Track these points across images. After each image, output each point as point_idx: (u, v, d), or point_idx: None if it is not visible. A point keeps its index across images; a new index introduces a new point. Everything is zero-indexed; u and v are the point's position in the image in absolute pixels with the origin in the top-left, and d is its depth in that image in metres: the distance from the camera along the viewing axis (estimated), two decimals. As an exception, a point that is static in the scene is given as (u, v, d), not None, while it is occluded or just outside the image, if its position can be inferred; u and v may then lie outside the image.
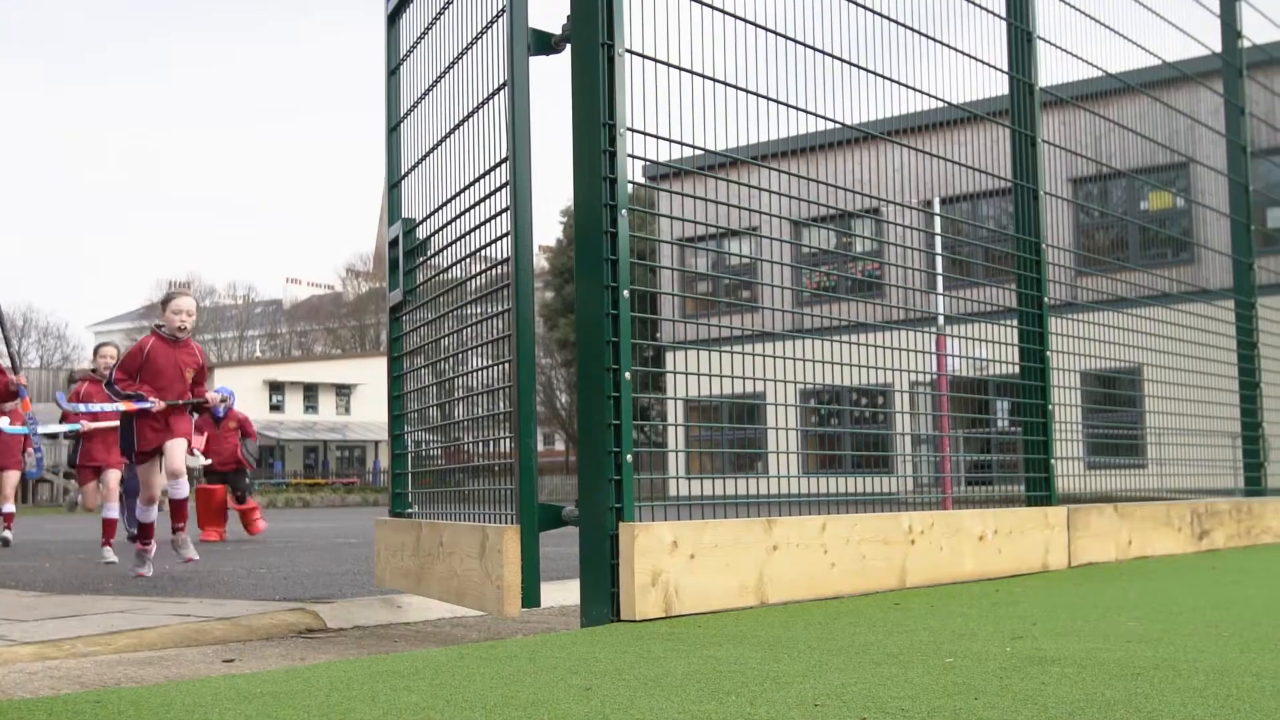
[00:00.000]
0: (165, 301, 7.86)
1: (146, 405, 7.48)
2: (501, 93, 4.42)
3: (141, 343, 7.92)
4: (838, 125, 5.59)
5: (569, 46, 4.34)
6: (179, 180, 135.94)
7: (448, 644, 4.47)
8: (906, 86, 5.89)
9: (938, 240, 7.14)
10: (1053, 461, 6.35)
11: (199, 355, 8.01)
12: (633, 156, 4.33)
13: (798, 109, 5.25)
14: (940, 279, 7.33)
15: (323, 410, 65.46)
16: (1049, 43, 6.64)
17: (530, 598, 4.24)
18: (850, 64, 5.57)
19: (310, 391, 65.01)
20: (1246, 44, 8.92)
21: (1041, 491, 6.33)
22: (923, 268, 6.63)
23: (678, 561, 4.18)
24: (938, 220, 7.30)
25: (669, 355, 16.58)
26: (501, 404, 4.46)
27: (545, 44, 4.40)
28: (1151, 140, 8.18)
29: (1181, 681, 2.76)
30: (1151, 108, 8.45)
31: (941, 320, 8.73)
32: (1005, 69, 6.44)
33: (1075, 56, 6.92)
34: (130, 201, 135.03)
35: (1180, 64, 8.51)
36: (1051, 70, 7.05)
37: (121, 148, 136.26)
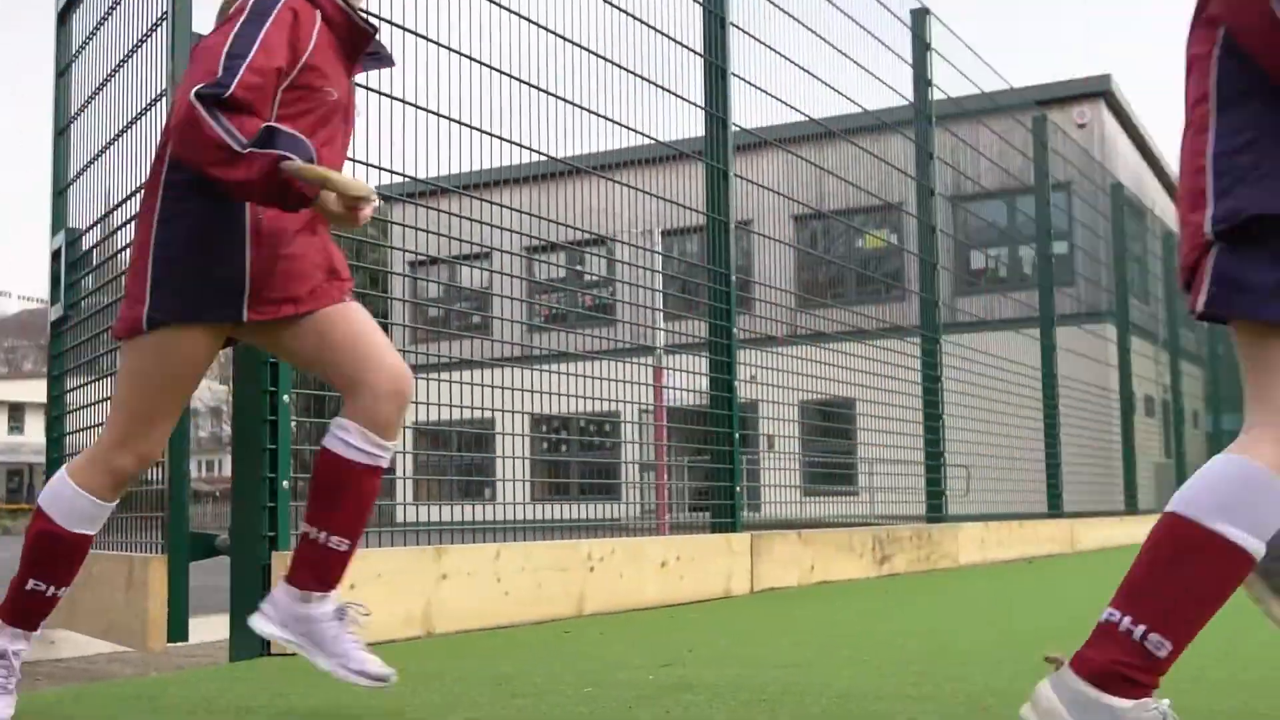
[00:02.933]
0: None
1: None
2: (162, 101, 4.20)
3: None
4: (546, 158, 5.60)
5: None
6: None
7: (98, 680, 4.19)
8: (611, 120, 5.94)
9: (658, 275, 7.24)
10: (737, 489, 6.47)
11: None
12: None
13: (497, 137, 5.21)
14: (660, 312, 7.42)
15: (29, 431, 61.57)
16: (744, 80, 6.81)
17: (177, 632, 4.02)
18: (565, 100, 5.58)
19: (16, 411, 61.03)
20: (937, 93, 9.41)
21: (726, 519, 6.44)
22: (637, 300, 6.70)
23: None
24: (655, 253, 7.39)
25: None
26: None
27: (210, 50, 4.20)
28: (848, 182, 8.51)
29: (802, 708, 2.81)
30: (865, 152, 8.84)
31: (660, 351, 8.84)
32: (701, 104, 6.56)
33: (771, 95, 7.12)
34: None
35: (881, 112, 8.91)
36: (766, 113, 7.28)
37: None
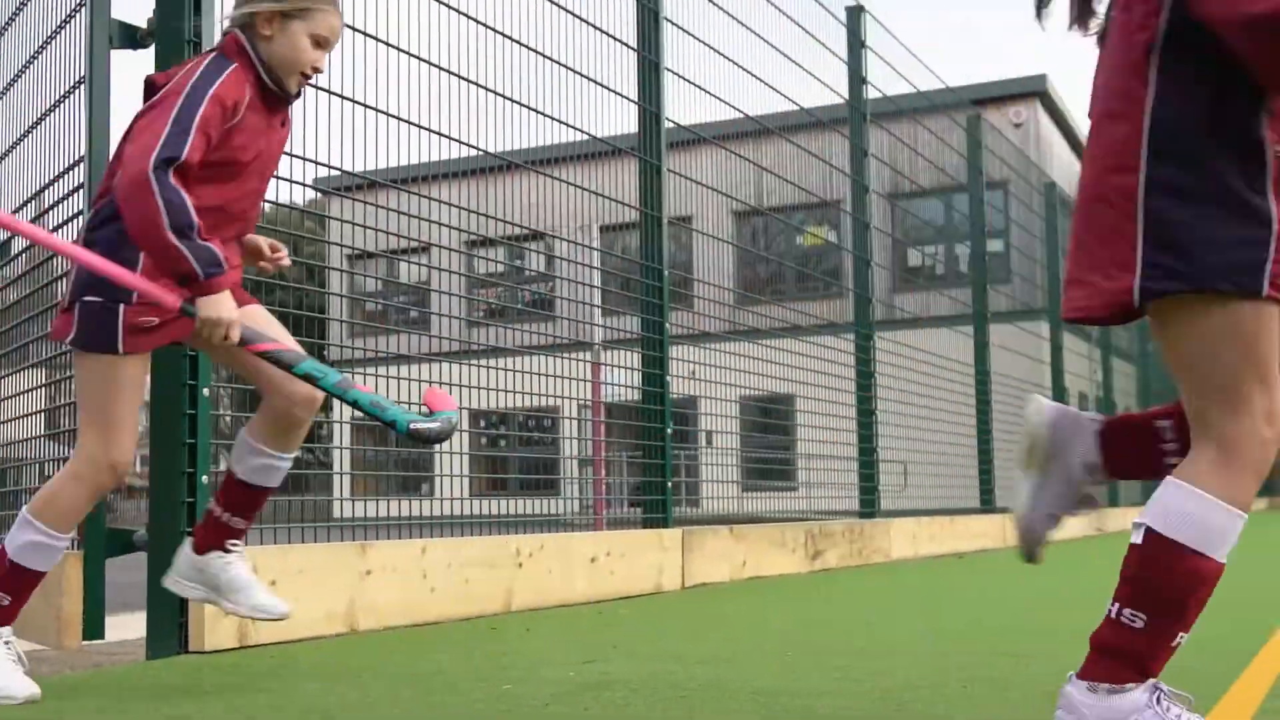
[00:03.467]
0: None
1: None
2: (80, 89, 4.12)
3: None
4: (481, 152, 5.57)
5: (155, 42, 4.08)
6: None
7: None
8: (544, 115, 5.92)
9: (595, 271, 7.22)
10: (669, 485, 6.47)
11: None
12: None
13: (432, 131, 5.17)
14: (598, 308, 7.42)
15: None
16: (678, 75, 6.80)
17: (93, 630, 3.95)
18: (500, 95, 5.55)
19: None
20: (872, 91, 9.46)
21: (658, 514, 6.44)
22: (575, 296, 6.69)
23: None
24: (592, 249, 7.37)
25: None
26: (63, 421, 4.14)
27: (131, 38, 4.13)
28: (784, 179, 8.53)
29: (721, 704, 2.80)
30: (807, 147, 8.88)
31: (598, 346, 8.83)
32: (634, 99, 6.55)
33: (705, 91, 7.12)
34: None
35: (818, 110, 8.94)
36: (703, 109, 7.29)
37: None
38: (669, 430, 6.50)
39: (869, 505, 9.16)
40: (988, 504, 11.53)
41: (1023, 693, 2.94)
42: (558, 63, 6.06)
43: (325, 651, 3.85)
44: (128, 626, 4.21)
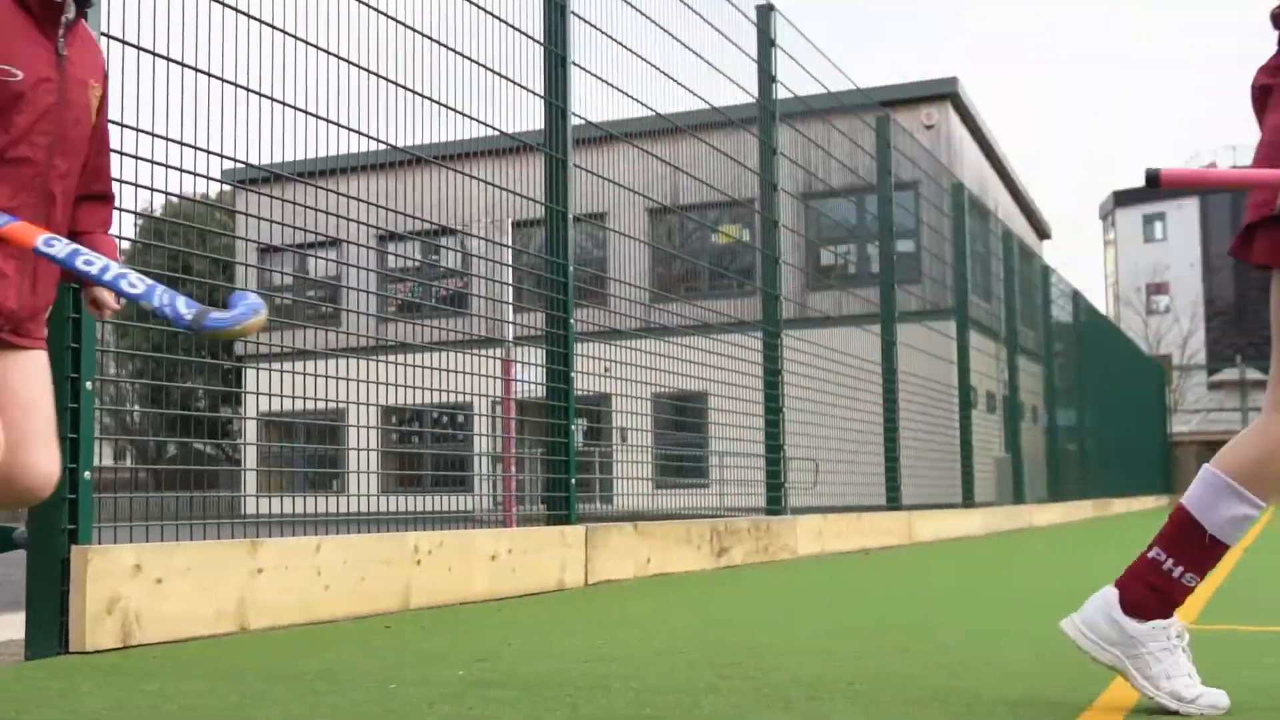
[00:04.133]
0: None
1: None
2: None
3: None
4: (388, 146, 5.52)
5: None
6: None
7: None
8: (451, 109, 5.87)
9: (508, 268, 7.18)
10: (573, 481, 6.44)
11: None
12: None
13: (339, 125, 5.11)
14: (510, 305, 7.38)
15: None
16: (584, 70, 6.78)
17: (-31, 629, 3.83)
18: (408, 89, 5.49)
19: None
20: (783, 90, 9.51)
21: (561, 511, 6.41)
22: (487, 292, 6.65)
23: (141, 587, 3.89)
24: (503, 245, 7.32)
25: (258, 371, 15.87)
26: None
27: None
28: (693, 177, 8.53)
29: (606, 702, 2.79)
30: (722, 145, 8.91)
31: (510, 343, 8.78)
32: (540, 93, 6.51)
33: (612, 86, 7.10)
34: None
35: (730, 109, 8.96)
36: (617, 106, 7.28)
37: None
38: (573, 427, 6.48)
39: (776, 502, 9.21)
40: (894, 501, 11.65)
41: (908, 690, 2.96)
42: (465, 56, 6.01)
43: (212, 651, 3.78)
44: (10, 626, 4.10)
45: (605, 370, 7.54)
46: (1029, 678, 3.12)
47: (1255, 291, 48.40)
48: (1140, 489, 28.92)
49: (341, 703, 2.81)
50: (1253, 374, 40.26)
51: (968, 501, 13.92)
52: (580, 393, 6.94)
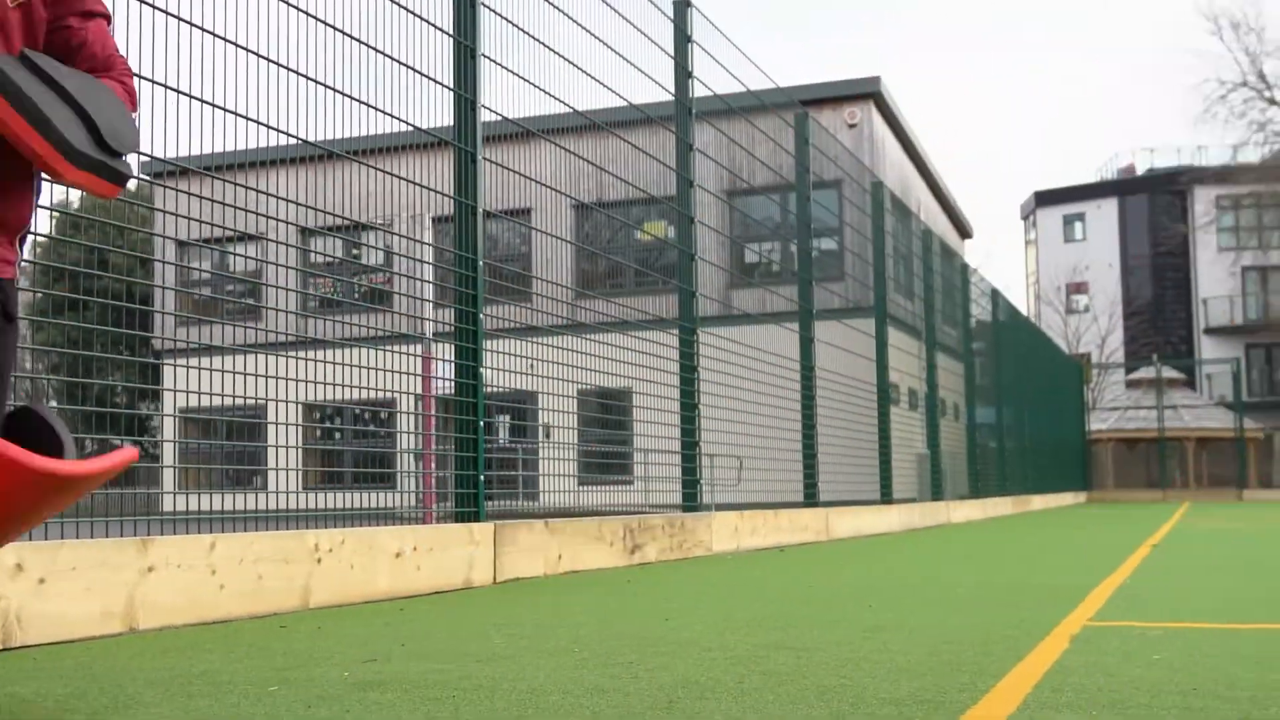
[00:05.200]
0: None
1: None
2: None
3: None
4: (300, 141, 5.44)
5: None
6: None
7: None
8: (362, 103, 5.79)
9: (427, 266, 7.11)
10: (481, 478, 6.38)
11: None
12: None
13: (250, 119, 5.01)
14: (429, 302, 7.31)
15: None
16: (494, 62, 6.71)
17: None
18: (320, 83, 5.41)
19: None
20: (700, 87, 9.51)
21: (470, 508, 6.35)
22: (405, 288, 6.56)
23: (23, 586, 3.78)
24: (419, 242, 7.24)
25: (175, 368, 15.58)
26: None
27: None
28: (610, 173, 8.49)
29: (489, 704, 2.75)
30: (645, 142, 8.90)
31: (429, 339, 8.70)
32: (449, 85, 6.44)
33: (524, 79, 7.04)
34: None
35: (649, 106, 8.94)
36: (538, 102, 7.25)
37: None
38: (481, 423, 6.42)
39: (691, 499, 9.21)
40: (811, 497, 11.70)
41: (795, 687, 2.95)
42: (373, 48, 5.93)
43: (95, 653, 3.68)
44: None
45: (530, 368, 7.52)
46: (918, 675, 3.12)
47: (1171, 292, 49.37)
48: (1058, 486, 29.36)
49: (214, 706, 2.74)
50: (1168, 373, 41.00)
51: (886, 498, 14.03)
52: (500, 390, 6.90)
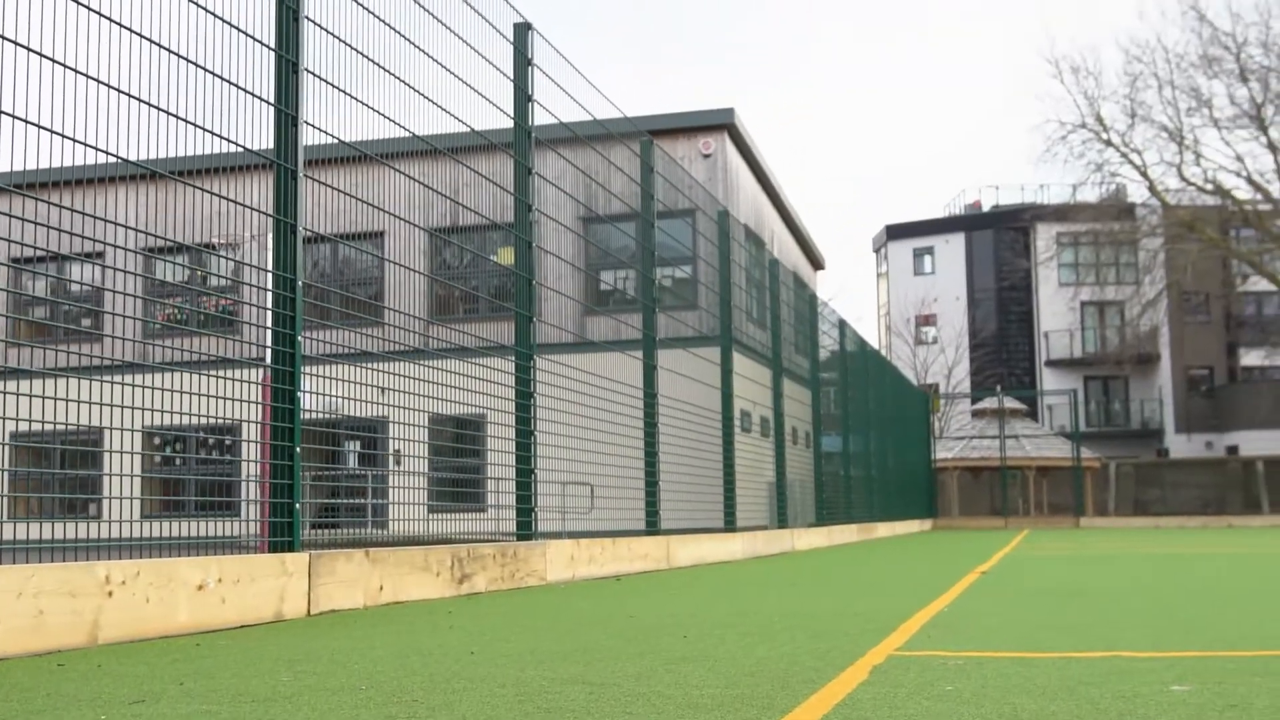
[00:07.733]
0: None
1: None
2: None
3: None
4: (118, 160, 5.21)
5: None
6: None
7: None
8: (178, 118, 5.58)
9: (269, 287, 6.87)
10: (296, 506, 6.18)
11: None
12: None
13: (66, 137, 4.77)
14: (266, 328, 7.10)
15: None
16: (319, 77, 6.54)
17: None
18: (145, 103, 5.17)
19: None
20: (541, 112, 9.43)
21: (284, 537, 6.14)
22: (253, 307, 6.31)
23: None
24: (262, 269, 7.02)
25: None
26: None
27: None
28: (448, 198, 8.36)
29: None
30: (491, 167, 8.79)
31: (269, 361, 8.44)
32: (271, 100, 6.25)
33: (351, 96, 6.88)
34: None
35: (492, 132, 8.82)
36: (378, 126, 7.09)
37: None
38: (298, 449, 6.22)
39: (526, 527, 9.08)
40: (653, 525, 11.66)
41: (574, 725, 2.85)
42: (192, 62, 5.73)
43: None
44: None
45: (381, 391, 7.37)
46: (706, 710, 3.05)
47: (1015, 325, 50.87)
48: (905, 513, 29.90)
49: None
50: (1011, 403, 42.17)
51: (730, 526, 14.06)
52: (332, 416, 6.75)
